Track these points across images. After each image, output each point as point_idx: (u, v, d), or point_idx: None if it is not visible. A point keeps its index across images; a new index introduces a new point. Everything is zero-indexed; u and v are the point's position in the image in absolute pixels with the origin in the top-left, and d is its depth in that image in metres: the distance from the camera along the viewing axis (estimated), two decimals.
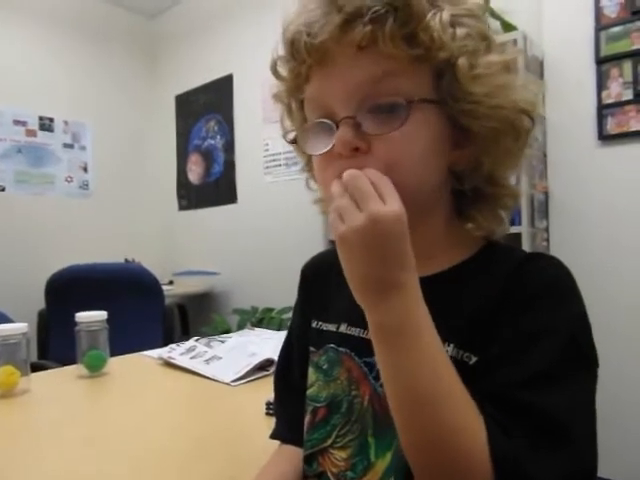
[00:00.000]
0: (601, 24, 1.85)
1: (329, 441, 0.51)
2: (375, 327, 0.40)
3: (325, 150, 0.45)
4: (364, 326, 0.50)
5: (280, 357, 0.67)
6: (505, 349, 0.41)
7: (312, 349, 0.56)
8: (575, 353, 0.41)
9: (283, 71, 0.50)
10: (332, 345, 0.53)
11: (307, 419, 0.54)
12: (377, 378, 0.47)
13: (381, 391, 0.46)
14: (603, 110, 1.85)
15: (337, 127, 0.44)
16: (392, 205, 0.39)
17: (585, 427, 0.39)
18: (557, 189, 1.98)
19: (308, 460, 0.53)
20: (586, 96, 1.90)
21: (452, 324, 0.44)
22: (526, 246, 1.77)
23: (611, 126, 1.84)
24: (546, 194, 1.99)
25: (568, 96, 1.94)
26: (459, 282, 0.47)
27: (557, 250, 1.97)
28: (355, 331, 0.51)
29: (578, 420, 0.39)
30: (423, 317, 0.40)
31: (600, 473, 0.41)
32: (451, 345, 0.44)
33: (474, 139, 0.46)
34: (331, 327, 0.54)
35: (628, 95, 1.80)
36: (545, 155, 2.00)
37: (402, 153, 0.43)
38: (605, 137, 1.86)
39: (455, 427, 0.37)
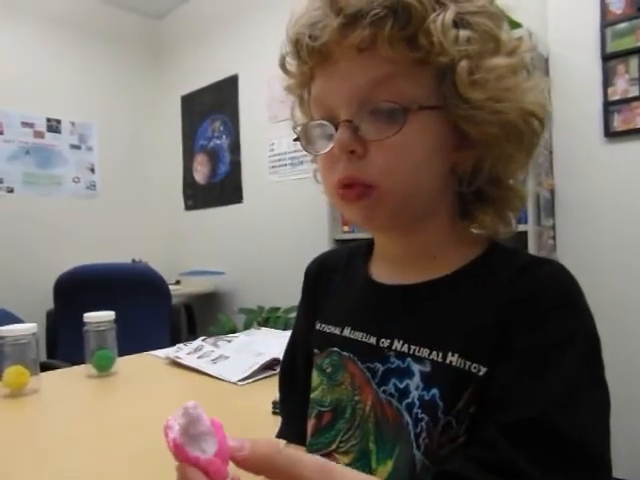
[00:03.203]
0: (607, 20, 1.84)
1: (333, 446, 0.50)
2: None
3: (325, 151, 0.46)
4: (367, 330, 0.50)
5: (284, 359, 0.66)
6: (523, 366, 0.39)
7: (316, 351, 0.55)
8: (594, 363, 0.40)
9: (291, 67, 0.50)
10: (336, 348, 0.52)
11: (312, 423, 0.53)
12: (380, 384, 0.47)
13: (383, 397, 0.46)
14: (609, 107, 1.84)
15: (337, 129, 0.44)
16: None
17: (608, 444, 0.38)
18: (563, 187, 1.98)
19: None
20: (592, 93, 1.89)
21: (456, 332, 0.44)
22: (532, 244, 1.76)
23: (617, 123, 1.83)
24: (552, 192, 1.98)
25: (574, 93, 1.93)
26: (462, 288, 0.46)
27: (564, 248, 1.96)
28: (358, 335, 0.50)
29: (604, 440, 0.38)
30: None
31: None
32: (455, 355, 0.43)
33: (474, 143, 0.45)
34: (335, 330, 0.54)
35: (634, 92, 1.79)
36: (551, 152, 1.99)
37: (398, 159, 0.43)
38: (611, 134, 1.84)
39: None
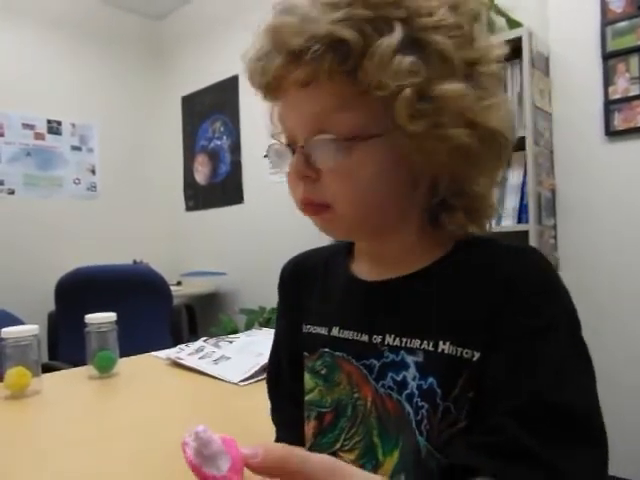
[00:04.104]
0: (607, 19, 1.83)
1: (337, 445, 0.51)
2: None
3: (285, 171, 0.48)
4: (357, 328, 0.51)
5: (269, 363, 0.66)
6: (513, 353, 0.41)
7: (305, 354, 0.56)
8: (577, 339, 0.42)
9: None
10: (327, 349, 0.53)
11: (312, 424, 0.54)
12: (377, 379, 0.48)
13: (382, 392, 0.47)
14: (610, 106, 1.84)
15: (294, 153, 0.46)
16: None
17: (600, 416, 0.40)
18: (564, 186, 1.97)
19: None
20: (593, 92, 1.88)
21: (444, 321, 0.45)
22: (533, 244, 1.76)
23: (618, 122, 1.83)
24: (553, 191, 1.98)
25: (574, 92, 1.93)
26: (443, 277, 0.47)
27: (565, 248, 1.96)
28: (349, 334, 0.51)
29: (599, 409, 0.40)
30: None
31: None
32: (447, 342, 0.44)
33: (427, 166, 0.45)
34: (321, 330, 0.54)
35: (635, 90, 1.79)
36: (552, 152, 1.99)
37: (346, 186, 0.44)
38: (612, 133, 1.84)
39: None
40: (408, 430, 0.45)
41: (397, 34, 0.40)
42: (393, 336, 0.48)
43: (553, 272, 0.44)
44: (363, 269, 0.54)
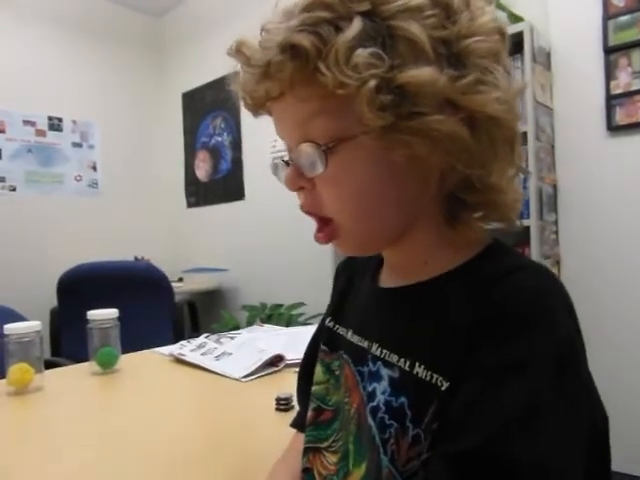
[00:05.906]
0: (609, 13, 1.83)
1: (325, 444, 0.51)
2: None
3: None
4: (362, 334, 0.50)
5: (308, 346, 0.66)
6: (478, 388, 0.36)
7: (324, 348, 0.56)
8: (564, 380, 0.35)
9: None
10: (342, 351, 0.53)
11: (310, 414, 0.54)
12: (364, 387, 0.47)
13: (366, 401, 0.46)
14: (612, 100, 1.84)
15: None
16: None
17: (574, 469, 0.35)
18: (566, 181, 1.97)
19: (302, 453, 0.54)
20: (594, 86, 1.88)
21: (425, 341, 0.42)
22: (535, 239, 1.76)
23: (620, 116, 1.82)
24: (555, 187, 1.98)
25: (576, 87, 1.93)
26: (438, 295, 0.43)
27: (566, 243, 1.96)
28: (355, 339, 0.51)
29: (569, 466, 0.34)
30: None
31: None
32: (422, 366, 0.40)
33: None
34: (343, 332, 0.54)
35: (637, 85, 1.78)
36: (553, 147, 1.98)
37: (338, 192, 0.42)
38: (614, 128, 1.84)
39: None
40: (372, 446, 0.43)
41: (354, 28, 0.37)
42: (377, 345, 0.46)
43: (546, 298, 0.38)
44: (384, 276, 0.53)
